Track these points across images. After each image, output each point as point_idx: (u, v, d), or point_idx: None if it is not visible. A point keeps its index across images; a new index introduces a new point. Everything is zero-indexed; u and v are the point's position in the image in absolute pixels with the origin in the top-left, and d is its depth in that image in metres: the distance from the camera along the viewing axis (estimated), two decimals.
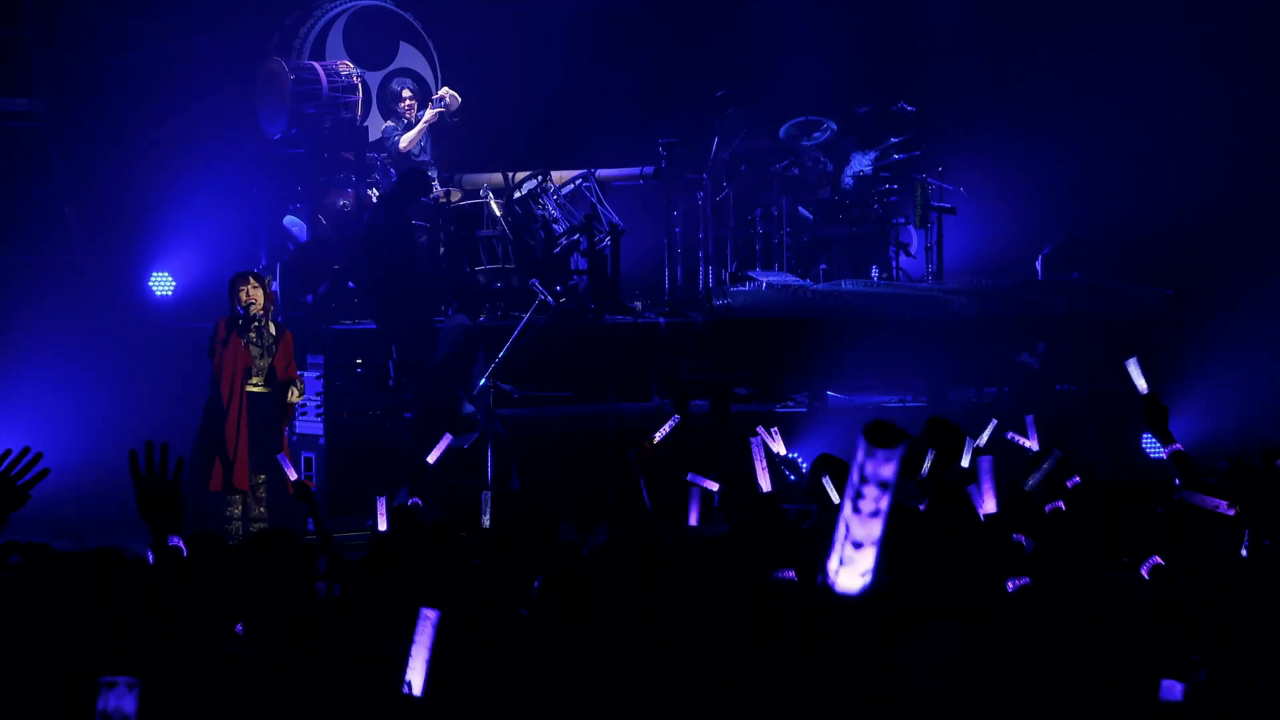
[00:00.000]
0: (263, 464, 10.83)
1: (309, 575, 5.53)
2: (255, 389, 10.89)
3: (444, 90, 15.48)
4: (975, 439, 8.11)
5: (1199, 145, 16.98)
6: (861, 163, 16.44)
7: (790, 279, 15.83)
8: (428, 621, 5.97)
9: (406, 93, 15.47)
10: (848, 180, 16.40)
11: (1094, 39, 17.32)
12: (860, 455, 2.70)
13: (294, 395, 11.02)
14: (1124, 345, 15.15)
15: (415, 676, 5.84)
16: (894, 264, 16.37)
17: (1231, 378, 14.99)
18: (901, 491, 8.34)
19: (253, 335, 10.85)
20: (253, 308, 10.81)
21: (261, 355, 10.86)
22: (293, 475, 8.56)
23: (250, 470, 10.82)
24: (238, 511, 10.78)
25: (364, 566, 6.50)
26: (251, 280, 10.91)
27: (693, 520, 7.80)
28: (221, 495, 10.77)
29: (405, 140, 15.23)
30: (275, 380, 10.92)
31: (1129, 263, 16.36)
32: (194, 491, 10.77)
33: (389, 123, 15.51)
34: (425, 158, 15.53)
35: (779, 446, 8.32)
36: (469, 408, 13.38)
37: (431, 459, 8.55)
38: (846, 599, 2.73)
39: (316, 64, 15.11)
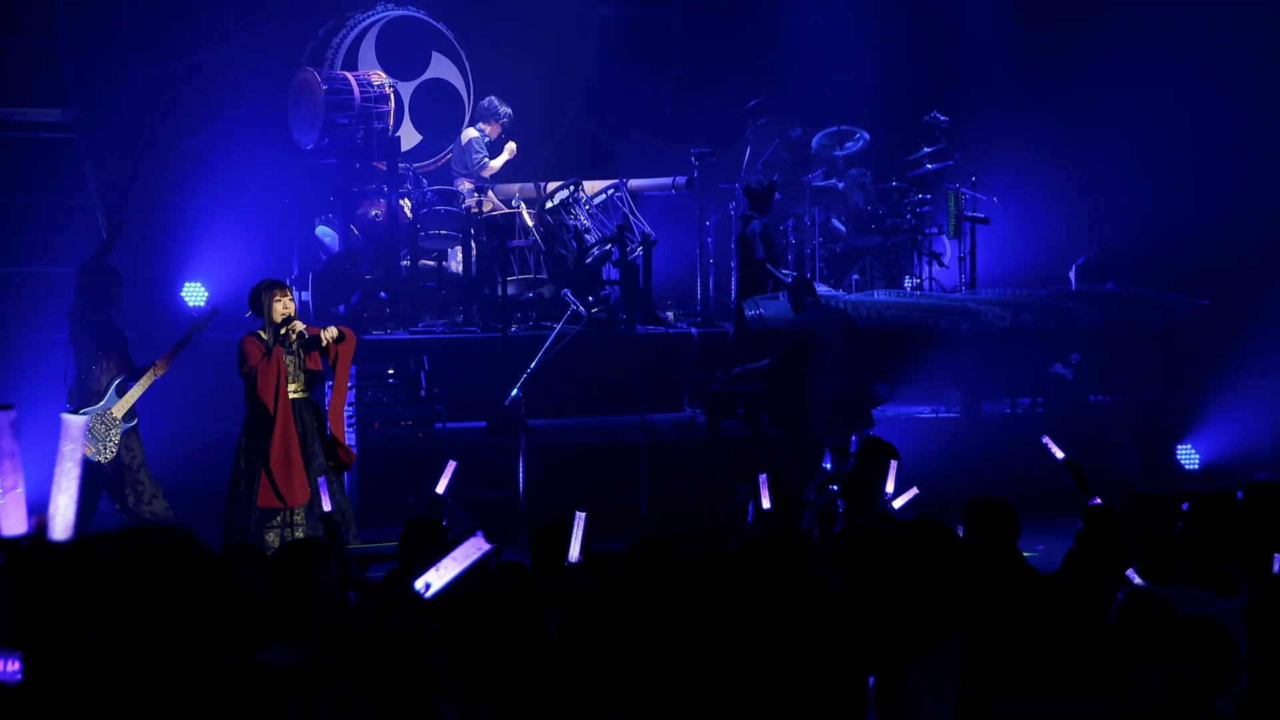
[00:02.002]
0: (313, 465, 10.81)
1: (343, 583, 5.53)
2: (295, 394, 10.86)
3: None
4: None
5: (1235, 154, 16.89)
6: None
7: (823, 289, 15.77)
8: (477, 549, 5.90)
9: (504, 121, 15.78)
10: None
11: (1128, 48, 17.23)
12: None
13: (330, 332, 10.87)
14: (1159, 355, 15.17)
15: (436, 580, 5.79)
16: (927, 274, 16.31)
17: (1268, 387, 14.90)
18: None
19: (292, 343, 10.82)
20: (294, 323, 10.72)
21: (294, 362, 10.83)
22: (327, 506, 8.59)
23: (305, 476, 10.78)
24: (275, 521, 10.75)
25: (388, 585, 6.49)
26: (289, 292, 10.84)
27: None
28: (264, 511, 10.71)
29: (494, 165, 15.51)
30: (312, 380, 10.87)
31: (1164, 272, 16.27)
32: (241, 511, 10.74)
33: (476, 134, 15.64)
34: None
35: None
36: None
37: (440, 488, 8.62)
38: None
39: (349, 74, 15.13)
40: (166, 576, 2.74)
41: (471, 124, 16.02)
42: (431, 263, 15.31)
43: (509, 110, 15.88)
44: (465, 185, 15.56)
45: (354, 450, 11.21)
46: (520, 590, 4.92)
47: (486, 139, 15.81)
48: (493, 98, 15.95)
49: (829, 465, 11.67)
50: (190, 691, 2.74)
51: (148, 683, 2.70)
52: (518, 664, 4.54)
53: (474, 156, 15.69)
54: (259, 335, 10.77)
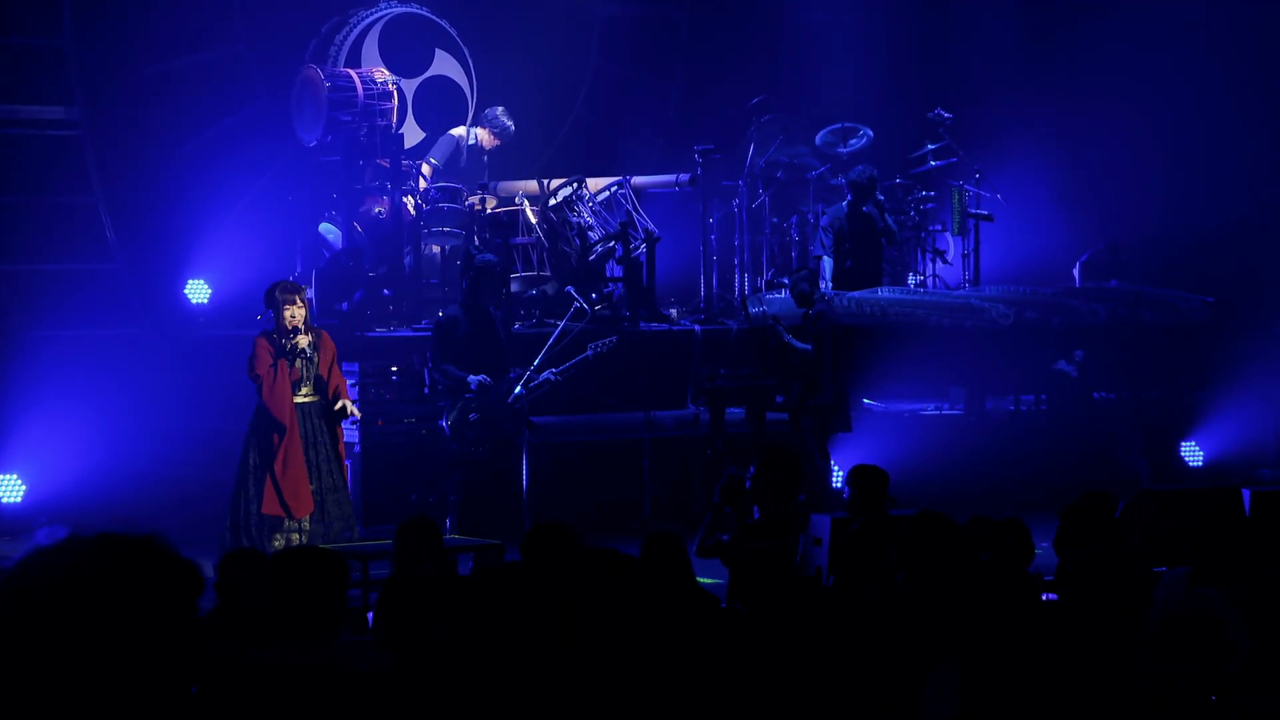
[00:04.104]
0: (311, 474, 10.80)
1: (342, 589, 5.52)
2: (305, 399, 10.83)
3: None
4: None
5: (1240, 150, 16.86)
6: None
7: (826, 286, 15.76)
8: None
9: (502, 137, 15.70)
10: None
11: (1133, 44, 17.20)
12: None
13: (349, 408, 10.93)
14: (1164, 353, 15.15)
15: None
16: (931, 271, 16.29)
17: (1272, 384, 14.88)
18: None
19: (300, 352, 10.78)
20: (299, 337, 10.66)
21: (306, 366, 10.79)
22: None
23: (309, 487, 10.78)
24: (283, 527, 10.75)
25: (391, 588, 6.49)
26: (298, 299, 10.73)
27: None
28: (269, 518, 10.71)
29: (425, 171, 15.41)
30: (323, 385, 10.86)
31: (1169, 269, 16.25)
32: (244, 514, 10.74)
33: (462, 133, 15.67)
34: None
35: None
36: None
37: None
38: None
39: (352, 71, 15.11)
40: (132, 587, 2.66)
41: (473, 125, 15.94)
42: (438, 248, 15.19)
43: (511, 126, 15.75)
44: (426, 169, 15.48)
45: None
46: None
47: (473, 143, 15.67)
48: (502, 109, 15.79)
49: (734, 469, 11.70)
50: (176, 692, 2.71)
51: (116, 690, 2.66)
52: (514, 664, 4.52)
53: (440, 151, 15.63)
54: (271, 338, 10.72)
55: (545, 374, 12.25)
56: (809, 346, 12.92)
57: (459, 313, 12.51)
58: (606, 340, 12.63)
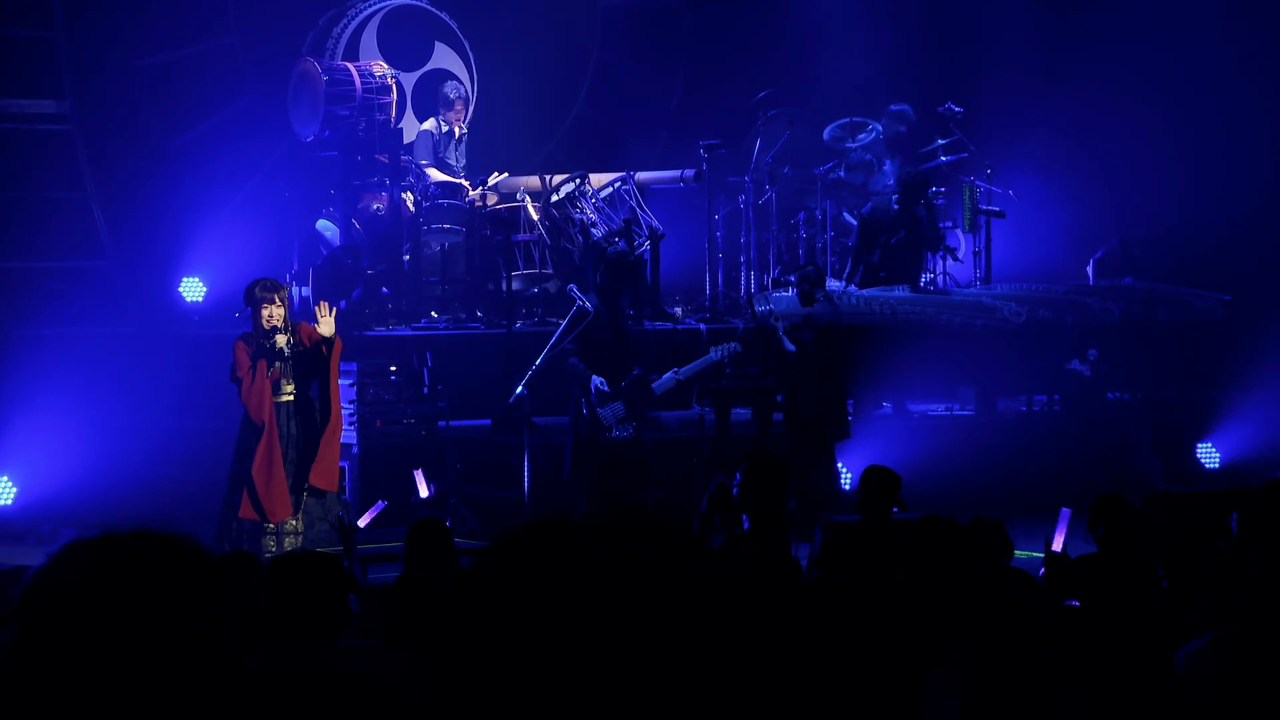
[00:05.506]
0: (297, 475, 10.55)
1: (343, 595, 5.36)
2: (286, 398, 10.57)
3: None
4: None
5: (1256, 145, 16.68)
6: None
7: (833, 284, 15.52)
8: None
9: (459, 105, 15.26)
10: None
11: (1147, 39, 17.01)
12: None
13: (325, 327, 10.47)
14: (1179, 352, 14.93)
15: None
16: (941, 269, 16.06)
17: None
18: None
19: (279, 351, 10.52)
20: (278, 336, 10.37)
21: (285, 364, 10.51)
22: (364, 521, 8.66)
23: (288, 488, 10.51)
24: (271, 528, 10.51)
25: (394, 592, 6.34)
26: (276, 299, 10.44)
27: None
28: (253, 523, 10.47)
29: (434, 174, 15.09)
30: (305, 382, 10.58)
31: (1184, 267, 16.04)
32: (226, 517, 10.54)
33: (431, 125, 15.26)
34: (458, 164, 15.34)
35: None
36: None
37: (363, 523, 8.77)
38: None
39: (350, 64, 14.93)
40: (165, 583, 2.58)
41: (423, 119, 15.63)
42: (438, 245, 14.95)
43: (463, 87, 15.38)
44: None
45: (337, 477, 10.89)
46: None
47: (446, 130, 15.26)
48: (448, 83, 15.43)
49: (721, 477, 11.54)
50: (184, 695, 2.60)
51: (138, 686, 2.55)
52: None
53: (422, 150, 15.25)
54: (249, 339, 10.47)
55: (669, 374, 12.24)
56: (794, 349, 12.71)
57: (597, 303, 12.32)
58: (730, 346, 12.44)
